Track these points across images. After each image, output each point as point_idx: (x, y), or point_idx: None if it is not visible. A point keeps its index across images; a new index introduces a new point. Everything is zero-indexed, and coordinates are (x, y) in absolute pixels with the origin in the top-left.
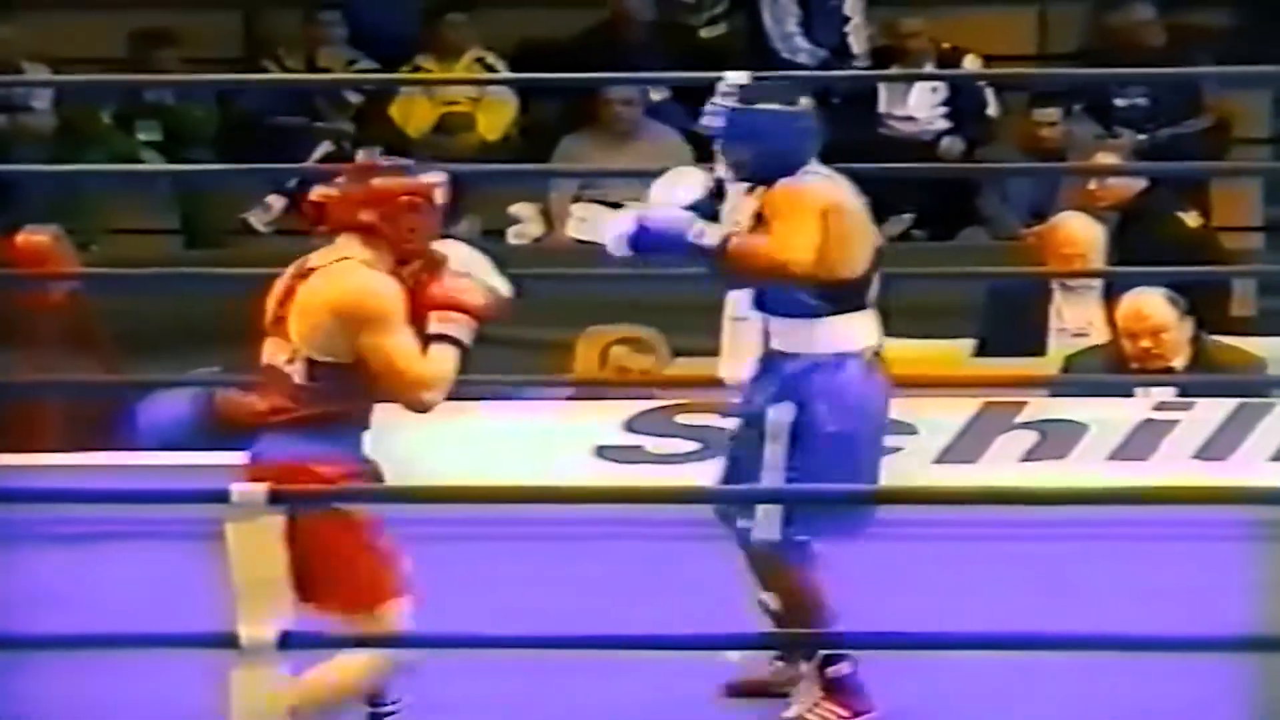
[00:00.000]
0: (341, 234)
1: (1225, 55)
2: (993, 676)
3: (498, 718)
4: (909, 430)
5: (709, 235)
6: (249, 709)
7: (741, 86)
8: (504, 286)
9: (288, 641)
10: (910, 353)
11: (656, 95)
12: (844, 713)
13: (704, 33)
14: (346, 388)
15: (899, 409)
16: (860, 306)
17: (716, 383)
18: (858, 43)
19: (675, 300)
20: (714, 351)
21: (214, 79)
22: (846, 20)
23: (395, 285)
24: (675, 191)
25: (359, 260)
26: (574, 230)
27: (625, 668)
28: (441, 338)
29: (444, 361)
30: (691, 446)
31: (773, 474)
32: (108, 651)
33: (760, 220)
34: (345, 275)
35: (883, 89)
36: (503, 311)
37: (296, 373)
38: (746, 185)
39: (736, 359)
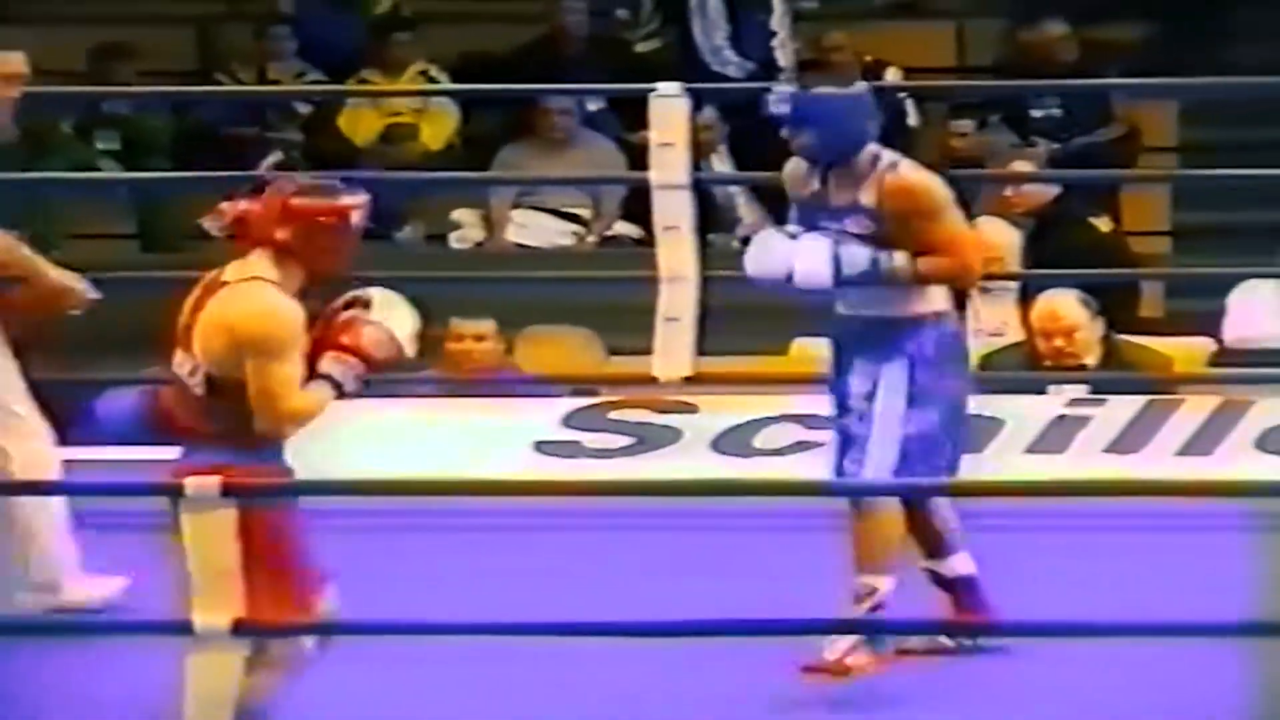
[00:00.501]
0: (255, 248)
1: (1134, 68)
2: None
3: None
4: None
5: (897, 259)
6: (204, 695)
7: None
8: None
9: (241, 629)
10: None
11: (593, 105)
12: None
13: (639, 46)
14: (243, 403)
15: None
16: None
17: (650, 380)
18: (784, 56)
19: (609, 303)
20: (648, 350)
21: (170, 91)
22: (773, 35)
23: (296, 310)
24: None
25: (267, 280)
26: (513, 235)
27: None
28: (326, 378)
29: (318, 401)
30: (626, 441)
31: (890, 425)
32: (69, 638)
33: (883, 213)
34: (250, 296)
35: None
36: (399, 362)
37: (197, 385)
38: (817, 166)
39: (669, 357)
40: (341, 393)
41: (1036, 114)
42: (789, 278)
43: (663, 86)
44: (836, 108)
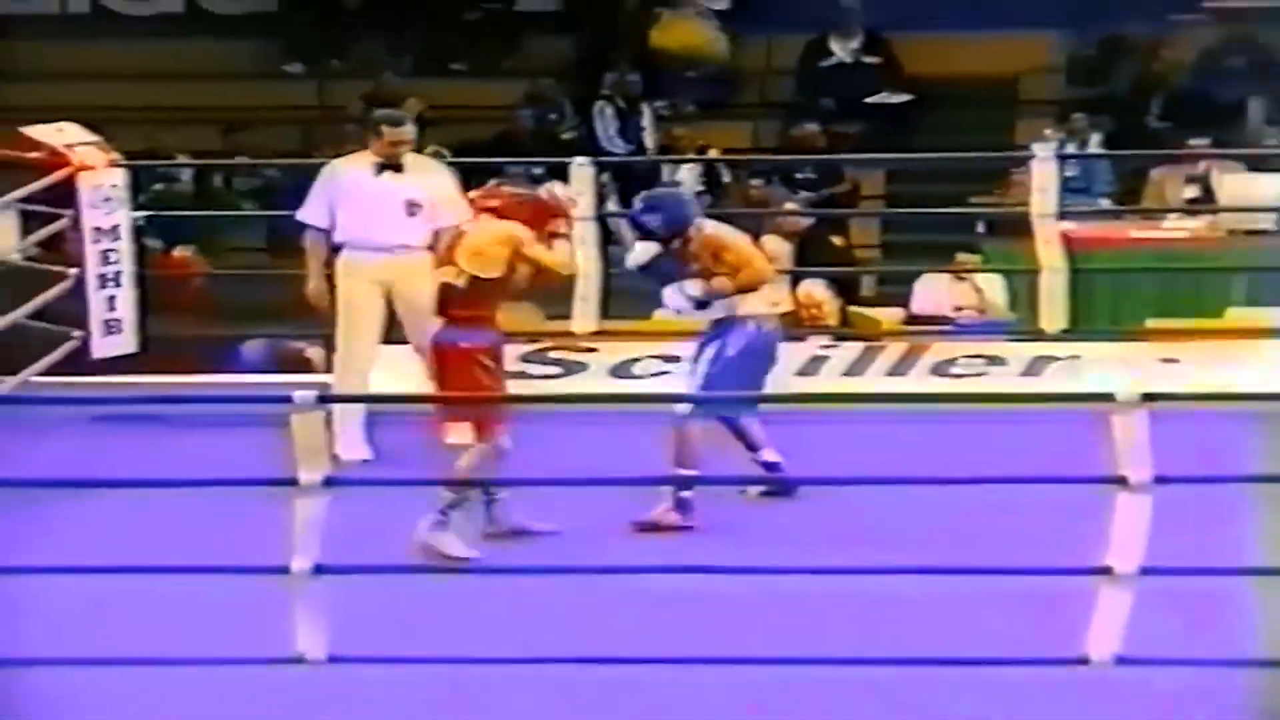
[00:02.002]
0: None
1: (857, 148)
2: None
3: None
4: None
5: (715, 284)
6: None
7: (646, 196)
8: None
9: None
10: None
11: (536, 171)
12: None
13: (564, 136)
14: (492, 294)
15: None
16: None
17: (570, 334)
18: (650, 141)
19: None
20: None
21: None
22: (643, 129)
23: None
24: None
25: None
26: None
27: None
28: (555, 234)
29: (565, 250)
30: (556, 370)
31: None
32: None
33: (703, 258)
34: (493, 224)
35: (664, 169)
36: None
37: (462, 286)
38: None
39: (583, 320)
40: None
41: (799, 176)
42: (678, 309)
43: (578, 159)
44: (676, 203)
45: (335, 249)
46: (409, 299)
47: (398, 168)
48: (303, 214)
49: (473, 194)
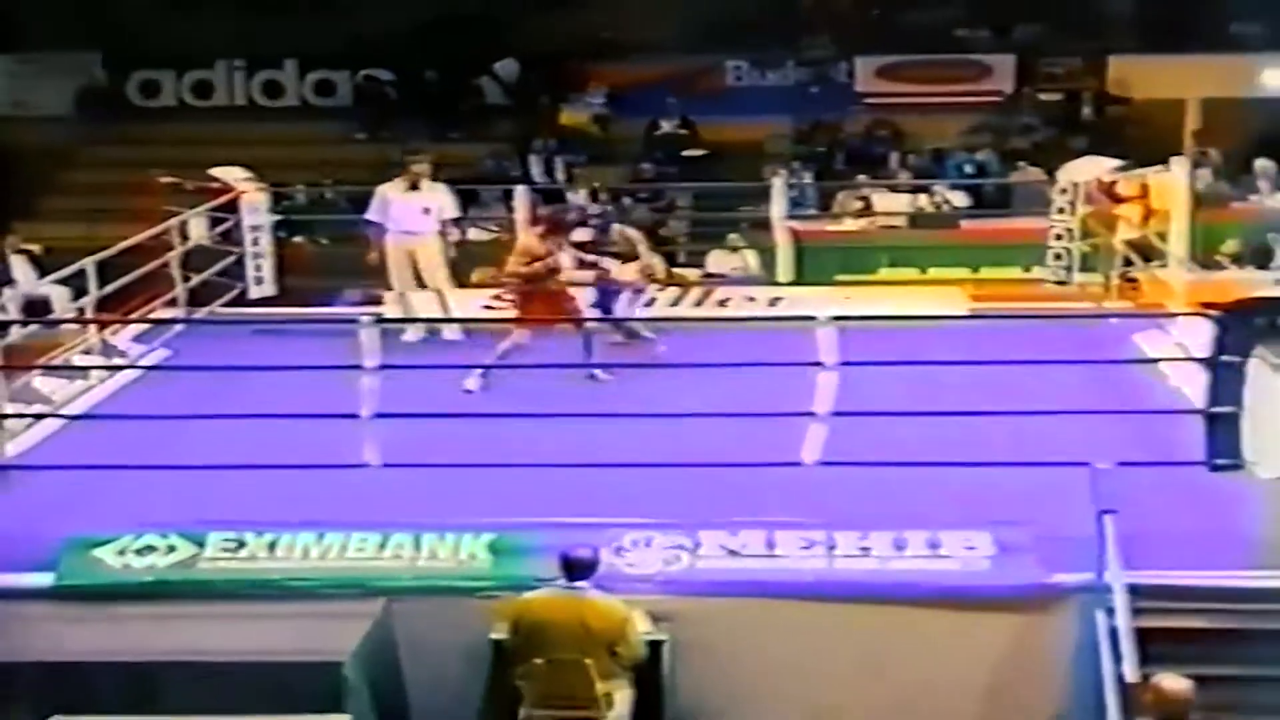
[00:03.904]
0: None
1: (675, 180)
2: None
3: None
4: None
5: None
6: None
7: None
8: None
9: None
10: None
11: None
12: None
13: (512, 174)
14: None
15: None
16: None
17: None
18: (560, 177)
19: None
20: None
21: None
22: (556, 171)
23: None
24: None
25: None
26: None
27: None
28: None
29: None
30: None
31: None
32: None
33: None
34: (527, 236)
35: (568, 194)
36: None
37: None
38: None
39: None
40: None
41: (642, 196)
42: None
43: (519, 188)
44: None
45: (383, 235)
46: (424, 263)
47: (417, 187)
48: (368, 215)
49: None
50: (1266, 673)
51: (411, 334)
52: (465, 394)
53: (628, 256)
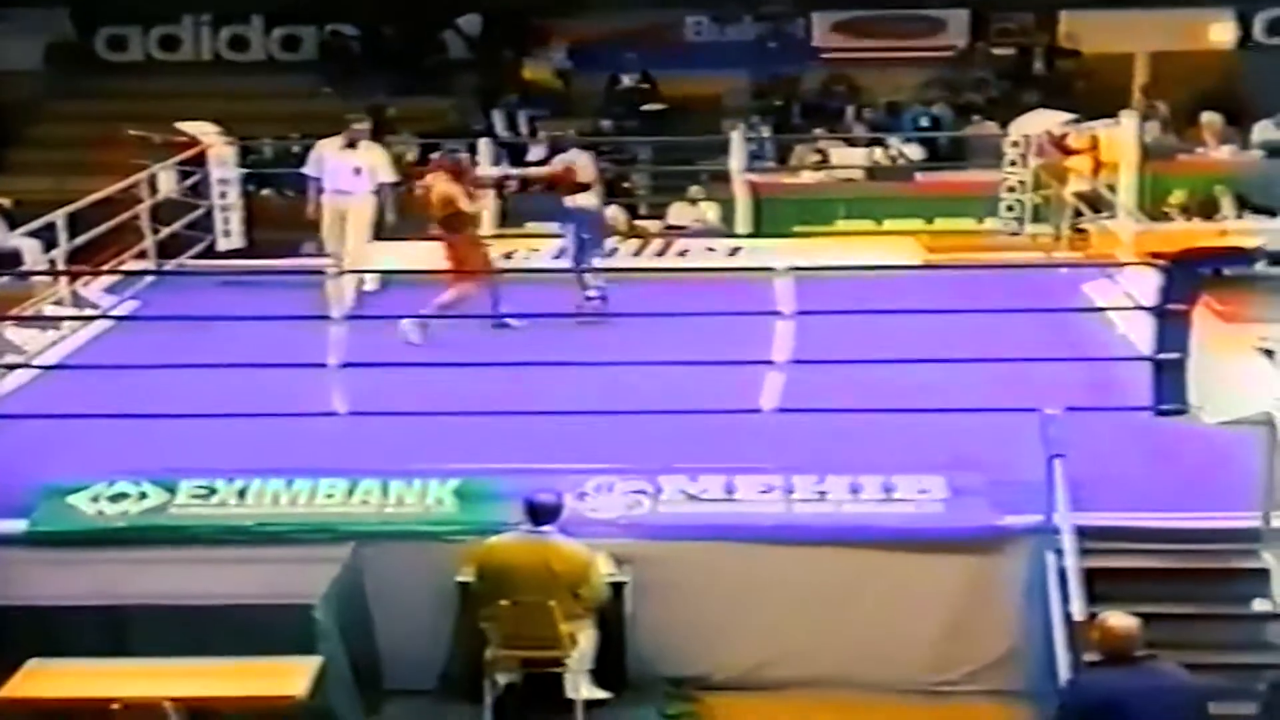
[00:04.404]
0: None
1: (635, 134)
2: None
3: None
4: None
5: None
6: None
7: None
8: None
9: None
10: None
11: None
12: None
13: (475, 128)
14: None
15: None
16: None
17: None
18: (524, 130)
19: None
20: None
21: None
22: (519, 124)
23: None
24: None
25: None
26: None
27: None
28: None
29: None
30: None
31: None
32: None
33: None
34: (442, 182)
35: (531, 147)
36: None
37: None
38: None
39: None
40: None
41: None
42: None
43: (483, 140)
44: None
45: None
46: (352, 222)
47: (354, 145)
48: (306, 169)
49: (432, 158)
50: (1207, 610)
51: (371, 284)
52: (408, 345)
53: (574, 187)
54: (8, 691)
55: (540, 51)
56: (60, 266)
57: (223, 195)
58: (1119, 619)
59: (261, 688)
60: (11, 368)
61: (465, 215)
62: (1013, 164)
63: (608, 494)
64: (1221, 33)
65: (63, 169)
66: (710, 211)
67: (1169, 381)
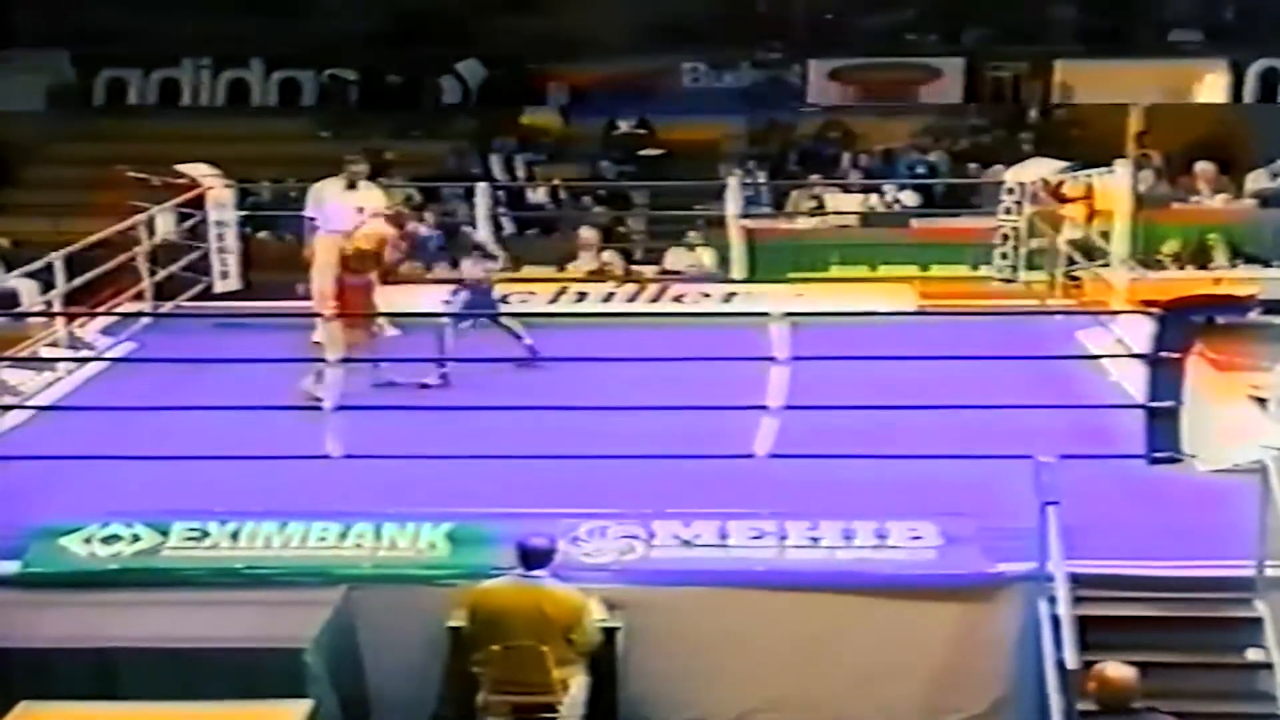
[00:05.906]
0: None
1: (633, 178)
2: None
3: None
4: None
5: None
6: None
7: None
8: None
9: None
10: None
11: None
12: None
13: (473, 171)
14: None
15: None
16: None
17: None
18: (521, 175)
19: None
20: None
21: None
22: (517, 169)
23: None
24: None
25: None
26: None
27: None
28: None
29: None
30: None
31: None
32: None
33: None
34: (378, 225)
35: (528, 191)
36: None
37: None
38: None
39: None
40: None
41: (601, 193)
42: None
43: (480, 185)
44: None
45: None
46: None
47: (354, 186)
48: (306, 211)
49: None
50: (1200, 659)
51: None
52: (423, 388)
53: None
54: None
55: (539, 97)
56: (57, 308)
57: (220, 237)
58: (1117, 669)
59: None
60: (7, 409)
61: (381, 262)
62: (1008, 211)
63: (601, 539)
64: (1213, 84)
65: (61, 210)
66: (706, 256)
67: (1162, 429)
